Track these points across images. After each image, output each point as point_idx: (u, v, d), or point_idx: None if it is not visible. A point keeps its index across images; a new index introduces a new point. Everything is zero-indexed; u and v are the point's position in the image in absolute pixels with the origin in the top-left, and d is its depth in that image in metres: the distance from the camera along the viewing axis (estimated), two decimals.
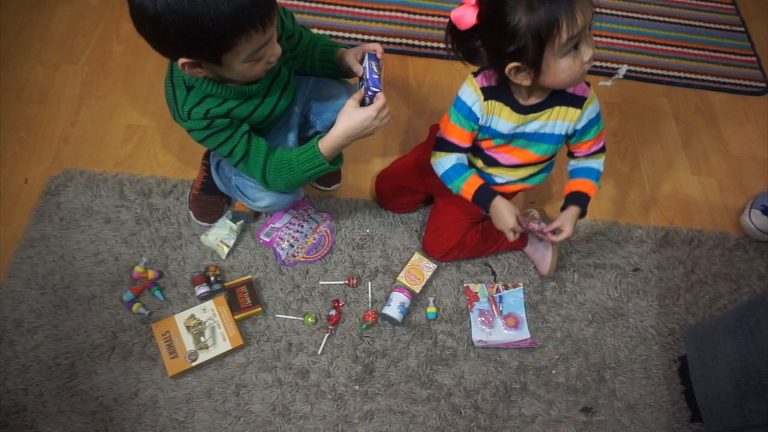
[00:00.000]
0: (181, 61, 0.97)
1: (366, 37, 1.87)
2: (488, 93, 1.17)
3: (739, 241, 1.61)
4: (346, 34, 1.86)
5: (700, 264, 1.56)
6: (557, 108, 1.18)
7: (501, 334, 1.38)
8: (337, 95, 1.32)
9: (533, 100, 1.17)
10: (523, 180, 1.35)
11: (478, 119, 1.20)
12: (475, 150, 1.31)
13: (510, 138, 1.23)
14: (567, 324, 1.42)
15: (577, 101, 1.18)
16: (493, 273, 1.47)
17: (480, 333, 1.37)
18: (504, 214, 1.27)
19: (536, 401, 1.32)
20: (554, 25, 0.97)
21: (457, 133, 1.23)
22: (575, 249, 1.53)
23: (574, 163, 1.33)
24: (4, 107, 1.59)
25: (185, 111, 1.08)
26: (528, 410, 1.31)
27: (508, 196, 1.37)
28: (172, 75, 1.10)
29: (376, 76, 1.12)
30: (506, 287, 1.44)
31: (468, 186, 1.27)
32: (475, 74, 1.20)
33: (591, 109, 1.20)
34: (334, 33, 1.84)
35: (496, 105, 1.18)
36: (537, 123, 1.19)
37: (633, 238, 1.58)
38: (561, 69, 1.04)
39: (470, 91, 1.18)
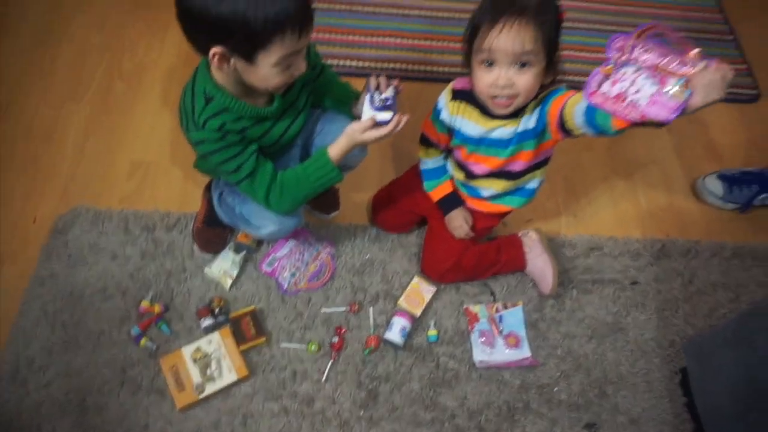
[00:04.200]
0: (214, 50, 1.00)
1: (361, 63, 1.91)
2: (458, 94, 1.24)
3: (736, 251, 1.62)
4: (342, 62, 1.91)
5: (698, 274, 1.57)
6: (522, 114, 1.20)
7: (502, 353, 1.40)
8: (340, 131, 1.35)
9: None
10: (504, 195, 1.38)
11: (444, 119, 1.28)
12: (457, 163, 1.37)
13: (478, 143, 1.26)
14: (567, 341, 1.44)
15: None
16: (492, 293, 1.49)
17: (481, 353, 1.39)
18: (457, 217, 1.41)
19: (539, 420, 1.33)
20: (474, 28, 1.10)
21: (431, 130, 1.34)
22: (573, 265, 1.55)
23: (579, 109, 1.07)
24: (12, 147, 1.64)
25: (201, 120, 1.11)
26: (531, 429, 1.32)
27: (491, 219, 1.44)
28: (193, 84, 1.14)
29: (376, 99, 1.17)
30: (505, 307, 1.46)
31: (440, 189, 1.41)
32: None
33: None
34: (330, 61, 1.89)
35: (464, 106, 1.24)
36: (506, 130, 1.21)
37: (630, 251, 1.60)
38: (474, 74, 1.14)
39: (444, 93, 1.28)
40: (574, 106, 1.06)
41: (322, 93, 1.34)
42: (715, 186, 1.69)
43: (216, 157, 1.14)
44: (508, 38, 1.04)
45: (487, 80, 1.11)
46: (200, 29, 1.00)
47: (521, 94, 1.11)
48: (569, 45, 2.03)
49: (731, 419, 1.17)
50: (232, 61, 1.03)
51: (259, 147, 1.19)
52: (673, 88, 0.84)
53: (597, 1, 2.21)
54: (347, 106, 1.34)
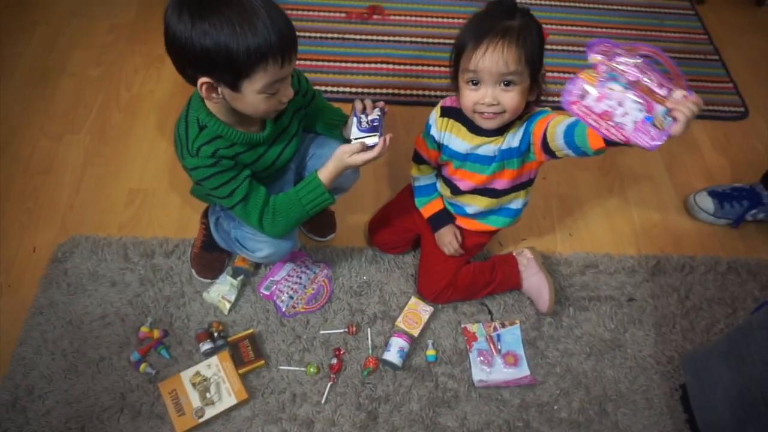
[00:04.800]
0: (202, 80, 1.03)
1: (353, 89, 1.95)
2: (447, 111, 1.29)
3: (731, 265, 1.64)
4: (335, 88, 1.95)
5: (694, 290, 1.58)
6: (507, 132, 1.23)
7: (501, 372, 1.40)
8: (330, 150, 1.38)
9: None
10: (488, 213, 1.41)
11: (434, 135, 1.32)
12: (444, 179, 1.40)
13: (464, 159, 1.30)
14: (566, 358, 1.44)
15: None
16: (490, 312, 1.50)
17: (480, 373, 1.39)
18: (447, 233, 1.44)
19: None
20: (459, 49, 1.14)
21: (423, 146, 1.38)
22: (569, 283, 1.56)
23: (559, 130, 1.10)
24: (12, 180, 1.66)
25: (195, 147, 1.13)
26: None
27: (480, 236, 1.47)
28: (187, 113, 1.16)
29: (363, 122, 1.21)
30: (503, 325, 1.47)
31: (430, 206, 1.45)
32: None
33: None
34: (323, 88, 1.93)
35: (451, 123, 1.29)
36: (491, 147, 1.25)
37: (625, 268, 1.61)
38: (461, 92, 1.18)
39: (434, 110, 1.32)
40: (556, 127, 1.10)
41: (314, 118, 1.37)
42: (706, 203, 1.71)
43: (210, 182, 1.16)
44: (492, 59, 1.08)
45: (473, 98, 1.15)
46: (186, 61, 1.03)
47: (507, 111, 1.15)
48: (555, 67, 2.08)
49: None
50: (220, 90, 1.06)
51: (253, 172, 1.22)
52: (658, 117, 0.85)
53: (582, 24, 2.28)
54: (338, 129, 1.37)
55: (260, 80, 1.03)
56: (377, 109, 1.22)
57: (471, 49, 1.10)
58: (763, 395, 1.07)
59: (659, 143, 0.85)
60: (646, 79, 0.88)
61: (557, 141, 1.09)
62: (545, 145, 1.14)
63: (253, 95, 1.06)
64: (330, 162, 1.20)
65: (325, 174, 1.21)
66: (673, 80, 0.88)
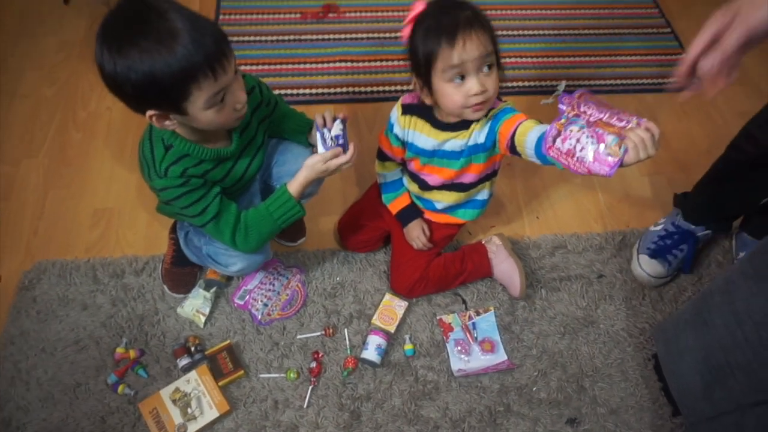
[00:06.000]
0: (149, 113, 1.02)
1: (313, 90, 1.95)
2: (408, 109, 1.30)
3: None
4: (295, 90, 1.94)
5: None
6: (473, 126, 1.24)
7: (479, 360, 1.42)
8: (297, 160, 1.37)
9: (451, 119, 1.25)
10: (457, 207, 1.44)
11: (397, 134, 1.33)
12: (411, 174, 1.41)
13: (431, 155, 1.31)
14: (541, 340, 1.47)
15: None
16: (464, 301, 1.52)
17: (458, 362, 1.41)
18: (415, 228, 1.46)
19: (522, 420, 1.36)
20: (432, 54, 1.12)
21: (386, 143, 1.39)
22: (539, 265, 1.59)
23: (530, 139, 1.11)
24: None
25: (162, 168, 1.11)
26: (515, 430, 1.34)
27: (449, 228, 1.49)
28: (150, 134, 1.14)
29: (327, 138, 1.23)
30: (478, 313, 1.49)
31: (397, 202, 1.47)
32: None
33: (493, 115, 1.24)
34: (283, 91, 1.92)
35: (414, 120, 1.29)
36: (457, 141, 1.26)
37: (593, 246, 1.64)
38: (443, 94, 1.16)
39: (394, 108, 1.33)
40: (525, 135, 1.11)
41: (278, 125, 1.36)
42: (653, 267, 1.55)
43: (180, 201, 1.15)
44: (472, 47, 1.09)
45: (462, 93, 1.14)
46: (126, 98, 1.02)
47: (491, 96, 1.17)
48: (510, 52, 2.10)
49: (701, 398, 1.21)
50: (170, 116, 1.05)
51: (223, 188, 1.21)
52: (608, 146, 0.93)
53: (536, 7, 2.30)
54: (303, 135, 1.37)
55: (200, 98, 1.01)
56: (338, 122, 1.23)
57: (447, 48, 1.09)
58: (727, 358, 1.11)
59: (613, 170, 0.93)
60: (605, 117, 0.97)
61: (527, 150, 1.11)
62: (512, 147, 1.16)
63: (201, 112, 1.04)
64: (300, 173, 1.21)
65: (294, 186, 1.21)
66: (621, 110, 0.97)
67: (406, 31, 1.17)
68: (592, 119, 0.97)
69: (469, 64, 1.11)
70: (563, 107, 1.02)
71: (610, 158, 0.93)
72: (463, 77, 1.13)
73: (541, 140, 1.06)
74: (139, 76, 0.95)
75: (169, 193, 1.14)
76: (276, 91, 1.35)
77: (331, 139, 1.22)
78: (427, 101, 1.22)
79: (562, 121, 1.01)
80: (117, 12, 0.96)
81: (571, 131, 0.98)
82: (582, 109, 0.99)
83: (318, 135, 1.22)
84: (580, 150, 0.96)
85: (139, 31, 0.94)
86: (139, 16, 0.95)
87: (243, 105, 1.10)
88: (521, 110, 1.22)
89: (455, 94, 1.15)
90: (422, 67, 1.15)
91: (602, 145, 0.94)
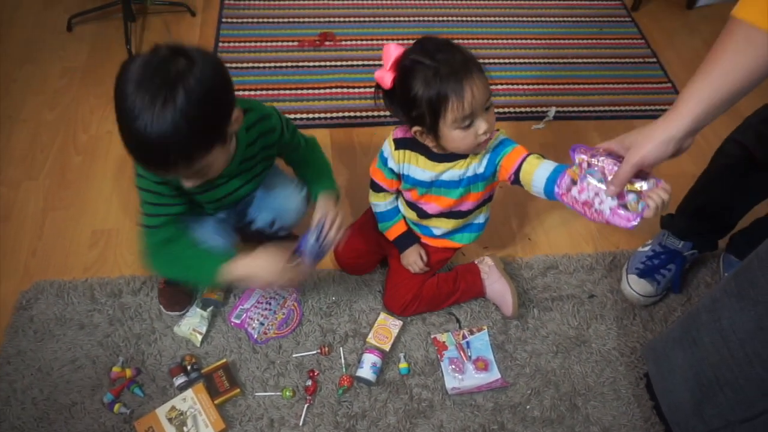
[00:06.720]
0: None
1: (311, 115, 2.00)
2: (400, 143, 1.31)
3: None
4: (293, 115, 1.99)
5: None
6: (470, 156, 1.27)
7: (472, 378, 1.44)
8: (281, 188, 1.41)
9: (445, 150, 1.27)
10: (455, 232, 1.46)
11: (392, 168, 1.34)
12: (408, 203, 1.43)
13: (430, 186, 1.33)
14: (534, 359, 1.49)
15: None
16: (458, 320, 1.54)
17: (453, 380, 1.43)
18: (412, 253, 1.47)
19: None
20: (442, 104, 1.12)
21: (379, 176, 1.39)
22: (532, 285, 1.62)
23: (538, 177, 1.15)
24: None
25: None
26: None
27: (446, 252, 1.51)
28: None
29: (310, 245, 1.25)
30: (471, 332, 1.51)
31: (394, 229, 1.47)
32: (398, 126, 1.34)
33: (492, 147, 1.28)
34: None
35: (408, 154, 1.31)
36: (455, 171, 1.29)
37: (584, 266, 1.67)
38: (454, 139, 1.18)
39: (387, 142, 1.34)
40: (532, 174, 1.16)
41: (296, 169, 1.43)
42: (643, 286, 1.58)
43: (144, 195, 1.21)
44: (478, 93, 1.12)
45: (473, 134, 1.16)
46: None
47: (493, 129, 1.21)
48: (501, 80, 2.17)
49: (691, 415, 1.23)
50: None
51: (200, 200, 1.26)
52: (630, 203, 1.01)
53: (526, 37, 2.37)
54: (320, 187, 1.36)
55: (181, 177, 1.11)
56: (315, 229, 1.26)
57: (457, 99, 1.10)
58: (715, 375, 1.13)
59: (635, 223, 1.01)
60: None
61: (533, 187, 1.16)
62: (516, 181, 1.22)
63: (185, 182, 1.12)
64: (254, 262, 1.19)
65: (238, 267, 1.19)
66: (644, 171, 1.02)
67: (387, 79, 1.15)
68: (607, 172, 1.03)
69: (476, 110, 1.14)
70: (577, 156, 1.05)
71: (630, 214, 1.01)
72: (471, 121, 1.16)
73: (550, 182, 1.11)
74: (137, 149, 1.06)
75: (142, 182, 1.20)
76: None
77: (316, 257, 1.26)
78: (429, 144, 1.23)
79: (574, 168, 1.06)
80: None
81: (589, 184, 1.04)
82: (594, 160, 1.04)
83: (313, 235, 1.24)
84: (599, 204, 1.03)
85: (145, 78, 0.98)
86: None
87: (215, 175, 1.15)
88: (513, 135, 1.28)
89: (467, 138, 1.17)
90: (427, 117, 1.15)
91: (621, 201, 1.01)
